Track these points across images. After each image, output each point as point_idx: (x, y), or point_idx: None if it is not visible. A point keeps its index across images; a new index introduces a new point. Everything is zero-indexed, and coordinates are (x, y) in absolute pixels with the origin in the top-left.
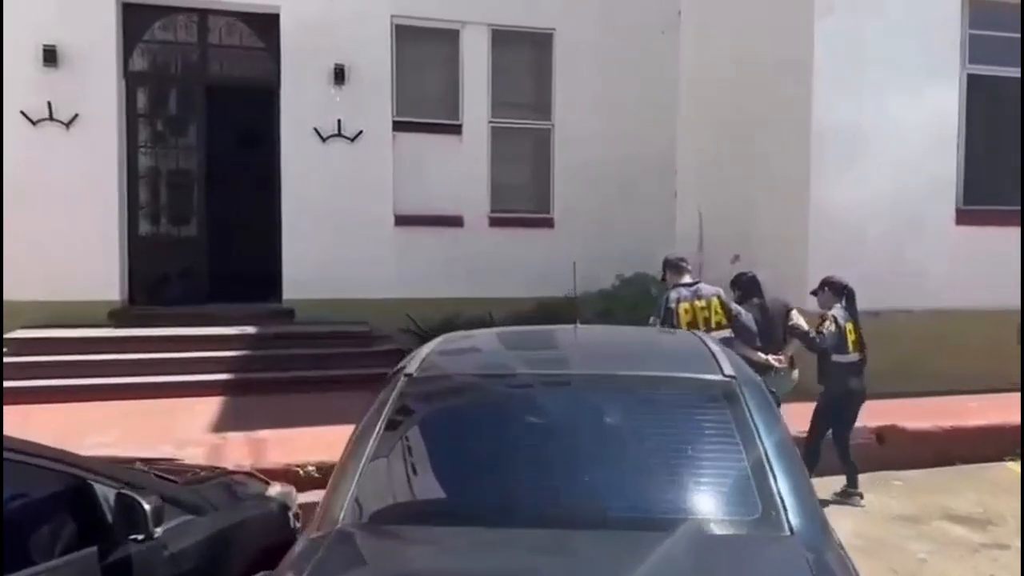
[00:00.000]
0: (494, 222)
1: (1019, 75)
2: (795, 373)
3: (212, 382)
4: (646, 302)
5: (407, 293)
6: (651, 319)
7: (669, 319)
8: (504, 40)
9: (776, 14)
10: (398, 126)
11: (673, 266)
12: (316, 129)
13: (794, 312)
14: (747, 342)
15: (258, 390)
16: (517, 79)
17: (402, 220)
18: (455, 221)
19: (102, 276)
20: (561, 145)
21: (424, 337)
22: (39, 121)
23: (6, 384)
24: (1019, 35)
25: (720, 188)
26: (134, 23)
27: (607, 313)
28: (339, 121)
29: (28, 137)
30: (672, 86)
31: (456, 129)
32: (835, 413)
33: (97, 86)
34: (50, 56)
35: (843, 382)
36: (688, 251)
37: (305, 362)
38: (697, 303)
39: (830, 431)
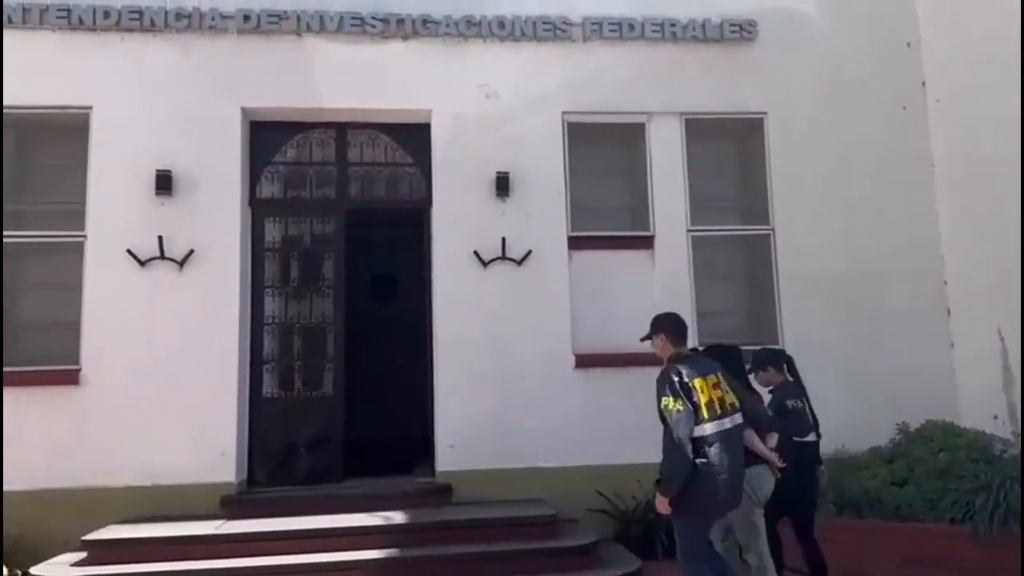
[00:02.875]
0: None
1: None
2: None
3: None
4: (957, 463)
5: (594, 458)
6: (668, 405)
7: (689, 399)
8: (701, 131)
9: None
10: (575, 242)
11: (674, 328)
12: (476, 253)
13: (762, 405)
14: (763, 426)
15: None
16: (721, 177)
17: (584, 361)
18: (651, 360)
19: (215, 451)
20: (785, 255)
21: (622, 520)
22: (148, 261)
23: None
24: None
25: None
26: (262, 143)
27: (901, 482)
28: (503, 240)
29: (134, 280)
30: (925, 170)
31: (646, 242)
32: (796, 501)
33: (217, 217)
34: (164, 183)
35: (804, 463)
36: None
37: (475, 566)
38: (709, 378)
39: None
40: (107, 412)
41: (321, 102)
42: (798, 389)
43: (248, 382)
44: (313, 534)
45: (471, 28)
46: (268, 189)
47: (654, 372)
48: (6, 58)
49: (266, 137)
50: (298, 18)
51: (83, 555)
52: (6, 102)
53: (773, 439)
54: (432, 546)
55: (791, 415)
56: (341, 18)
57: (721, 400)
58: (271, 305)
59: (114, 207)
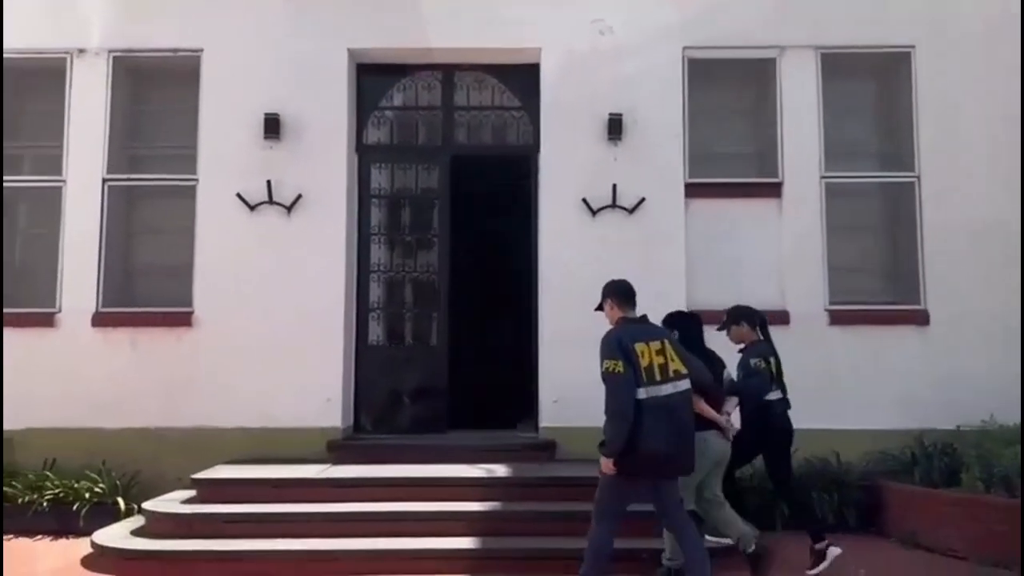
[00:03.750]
0: (837, 318)
1: None
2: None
3: (452, 552)
4: None
5: None
6: (609, 368)
7: (629, 362)
8: (838, 66)
9: None
10: (692, 190)
11: (621, 294)
12: (584, 200)
13: (727, 370)
14: (706, 388)
15: (520, 570)
16: (860, 118)
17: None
18: (777, 318)
19: (322, 397)
20: (932, 206)
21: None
22: (257, 205)
23: (179, 547)
24: None
25: None
26: (369, 87)
27: None
28: (614, 187)
29: (244, 224)
30: None
31: (774, 190)
32: (755, 454)
33: (324, 162)
34: (272, 127)
35: (771, 421)
36: None
37: (577, 525)
38: (652, 344)
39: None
40: (218, 354)
41: (428, 42)
42: (765, 348)
43: (354, 330)
44: (417, 482)
45: None
46: (374, 135)
47: (779, 332)
48: (122, 2)
49: (372, 81)
50: None
51: (192, 493)
52: (122, 46)
53: (731, 403)
54: (535, 502)
55: (753, 375)
56: None
57: (663, 366)
58: (377, 253)
59: (224, 151)
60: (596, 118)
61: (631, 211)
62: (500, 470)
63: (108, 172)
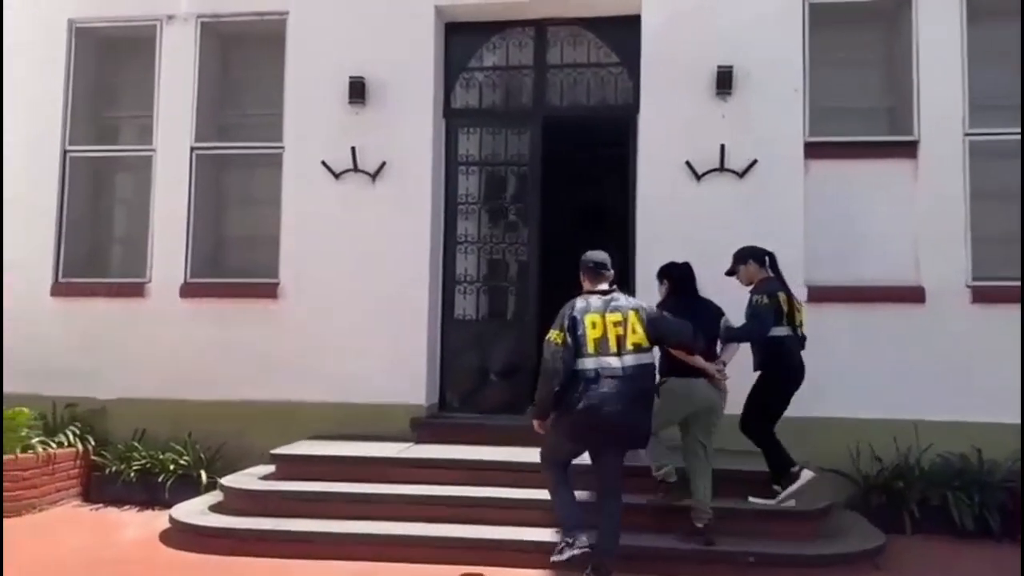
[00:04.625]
0: (980, 296)
1: None
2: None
3: (532, 545)
4: None
5: (824, 408)
6: (550, 336)
7: (573, 333)
8: (986, 5)
9: None
10: (813, 150)
11: (588, 269)
12: (688, 163)
13: (725, 317)
14: (686, 346)
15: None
16: (1011, 66)
17: (820, 295)
18: (911, 295)
19: (407, 371)
20: None
21: (862, 484)
22: (342, 173)
23: (253, 525)
24: None
25: None
26: (457, 47)
27: None
28: (722, 148)
29: (329, 193)
30: None
31: (908, 150)
32: (775, 398)
33: (410, 128)
34: (357, 91)
35: (780, 359)
36: None
37: (674, 519)
38: (610, 316)
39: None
40: (303, 327)
41: None
42: (772, 285)
43: (440, 303)
44: (499, 467)
45: None
46: (462, 98)
47: (913, 311)
48: None
49: (461, 40)
50: None
51: (271, 469)
52: (209, 10)
53: (728, 351)
54: (630, 493)
55: (753, 318)
56: None
57: (620, 338)
58: (464, 223)
59: (310, 117)
60: (702, 72)
61: (741, 175)
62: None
63: (196, 140)
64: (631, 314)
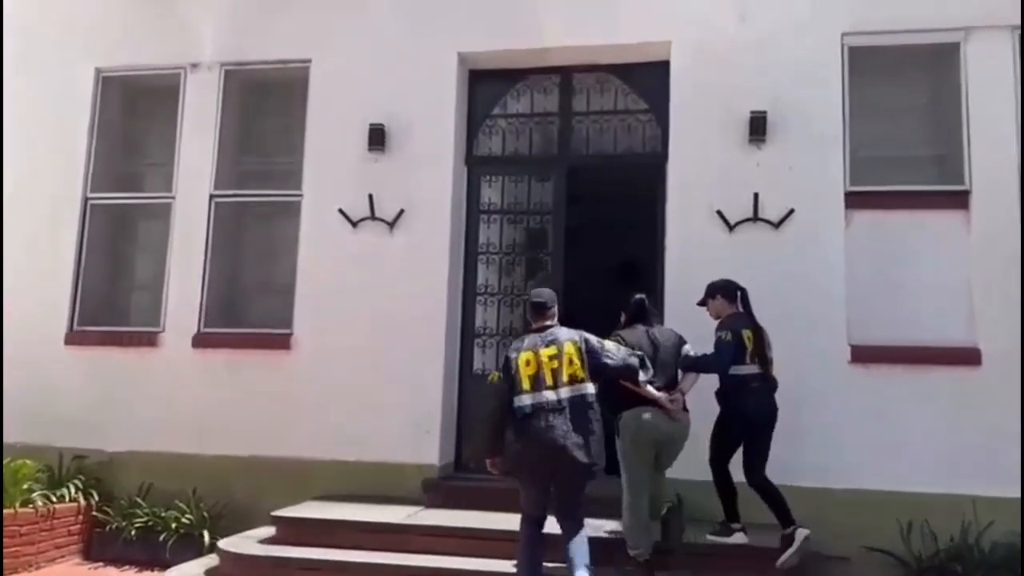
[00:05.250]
0: None
1: None
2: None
3: None
4: None
5: (872, 481)
6: (489, 378)
7: (507, 373)
8: None
9: None
10: (855, 200)
11: (531, 307)
12: (720, 212)
13: (687, 345)
14: (626, 377)
15: None
16: None
17: (865, 354)
18: (965, 357)
19: (421, 428)
20: None
21: (914, 567)
22: (360, 221)
23: None
24: None
25: None
26: (480, 94)
27: None
28: (755, 197)
29: (346, 242)
30: None
31: (959, 200)
32: (737, 436)
33: (430, 175)
34: (377, 137)
35: (744, 398)
36: None
37: None
38: (544, 351)
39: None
40: (316, 380)
41: (544, 42)
42: (738, 321)
43: (458, 356)
44: (514, 536)
45: None
46: (485, 145)
47: (967, 374)
48: (237, 14)
49: (485, 87)
50: None
51: (272, 531)
52: (234, 59)
53: (687, 381)
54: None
55: (715, 352)
56: None
57: (555, 372)
58: (484, 273)
59: (329, 164)
60: (734, 117)
61: (777, 225)
62: (611, 525)
63: (215, 188)
64: (567, 346)
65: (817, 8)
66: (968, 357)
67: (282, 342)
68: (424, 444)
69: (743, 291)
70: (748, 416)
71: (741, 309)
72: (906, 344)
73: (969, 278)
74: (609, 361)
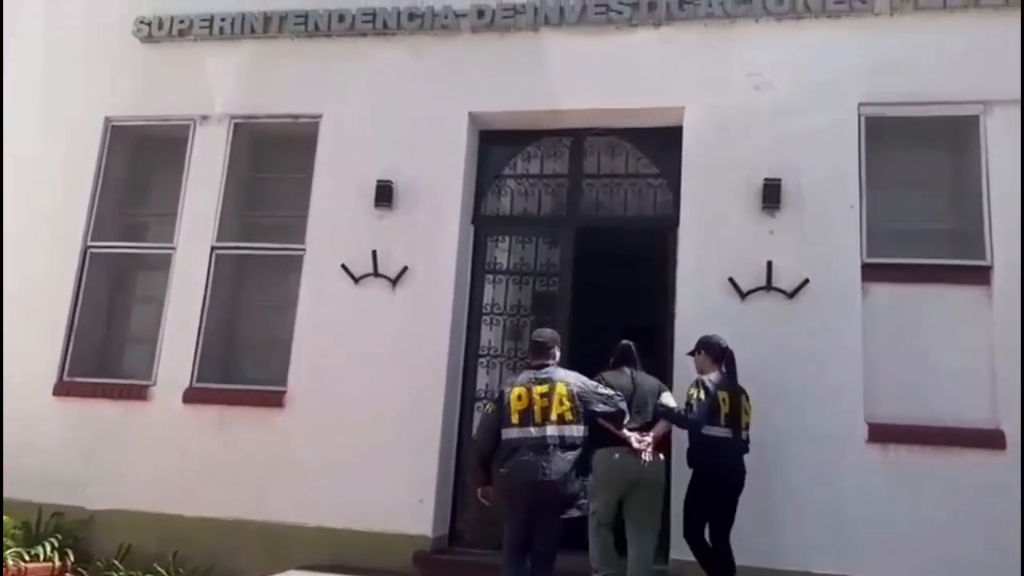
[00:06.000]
0: None
1: None
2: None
3: None
4: None
5: (888, 572)
6: (485, 409)
7: (500, 404)
8: None
9: None
10: (872, 272)
11: (532, 345)
12: (731, 280)
13: (666, 393)
14: (609, 418)
15: None
16: None
17: (883, 433)
18: (988, 439)
19: (414, 497)
20: None
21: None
22: (362, 277)
23: None
24: None
25: None
26: (491, 154)
27: None
28: (769, 266)
29: (347, 299)
30: None
31: (980, 275)
32: (707, 500)
33: (436, 233)
34: (384, 194)
35: (714, 460)
36: None
37: None
38: (538, 388)
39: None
40: (308, 441)
41: (557, 105)
42: (713, 379)
43: (457, 421)
44: None
45: (740, 6)
46: (493, 204)
47: (993, 460)
48: (249, 68)
49: (495, 147)
50: (535, 9)
51: None
52: (244, 111)
53: (658, 426)
54: None
55: (687, 408)
56: (584, 6)
57: (544, 409)
58: (487, 335)
59: (333, 220)
60: (748, 184)
61: (791, 295)
62: None
63: (217, 240)
64: (559, 386)
65: (834, 77)
66: (991, 440)
67: (275, 399)
68: (418, 514)
69: (729, 352)
70: (716, 478)
71: (724, 370)
72: (926, 424)
73: (992, 356)
74: (598, 409)
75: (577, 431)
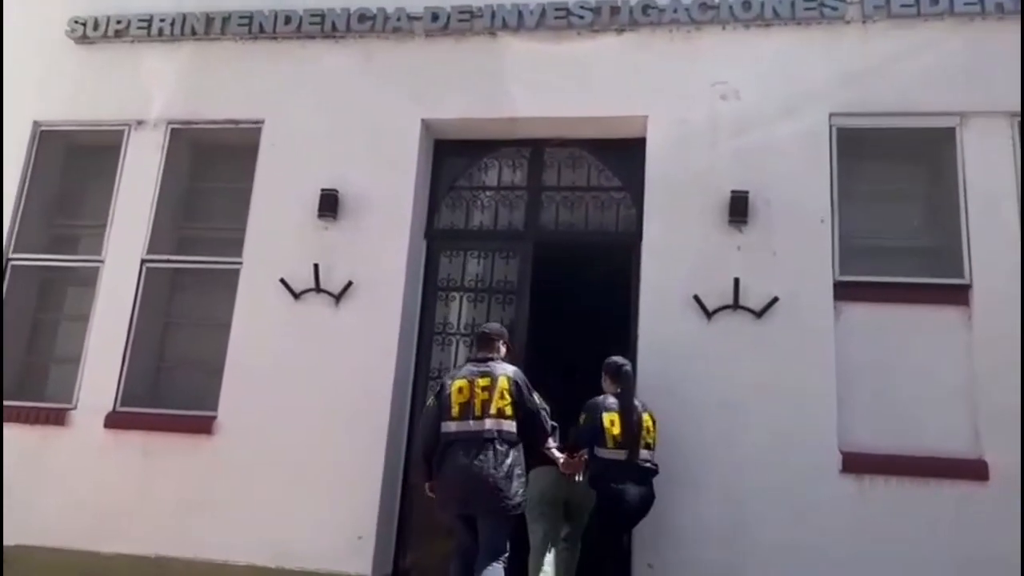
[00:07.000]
0: None
1: None
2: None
3: None
4: None
5: None
6: (428, 400)
7: (439, 398)
8: None
9: None
10: (845, 291)
11: (477, 337)
12: (697, 298)
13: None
14: (532, 428)
15: None
16: None
17: (857, 463)
18: (969, 469)
19: (352, 534)
20: None
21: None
22: (302, 293)
23: None
24: None
25: None
26: (446, 165)
27: None
28: (736, 283)
29: (286, 316)
30: None
31: (959, 294)
32: (605, 524)
33: (384, 247)
34: (329, 204)
35: (606, 484)
36: None
37: None
38: (480, 381)
39: None
40: (238, 471)
41: (515, 113)
42: (608, 404)
43: (404, 449)
44: None
45: (707, 12)
46: (447, 217)
47: (971, 491)
48: (189, 70)
49: (450, 158)
50: (492, 13)
51: None
52: (182, 116)
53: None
54: None
55: (583, 431)
56: (543, 10)
57: (484, 403)
58: (439, 355)
59: (273, 231)
60: (714, 198)
61: (759, 314)
62: None
63: (148, 253)
64: (501, 379)
65: (804, 87)
66: (973, 470)
67: (204, 426)
68: (357, 552)
69: (624, 372)
70: (608, 503)
71: (618, 389)
72: (904, 453)
73: (972, 381)
74: (529, 405)
75: (512, 425)
